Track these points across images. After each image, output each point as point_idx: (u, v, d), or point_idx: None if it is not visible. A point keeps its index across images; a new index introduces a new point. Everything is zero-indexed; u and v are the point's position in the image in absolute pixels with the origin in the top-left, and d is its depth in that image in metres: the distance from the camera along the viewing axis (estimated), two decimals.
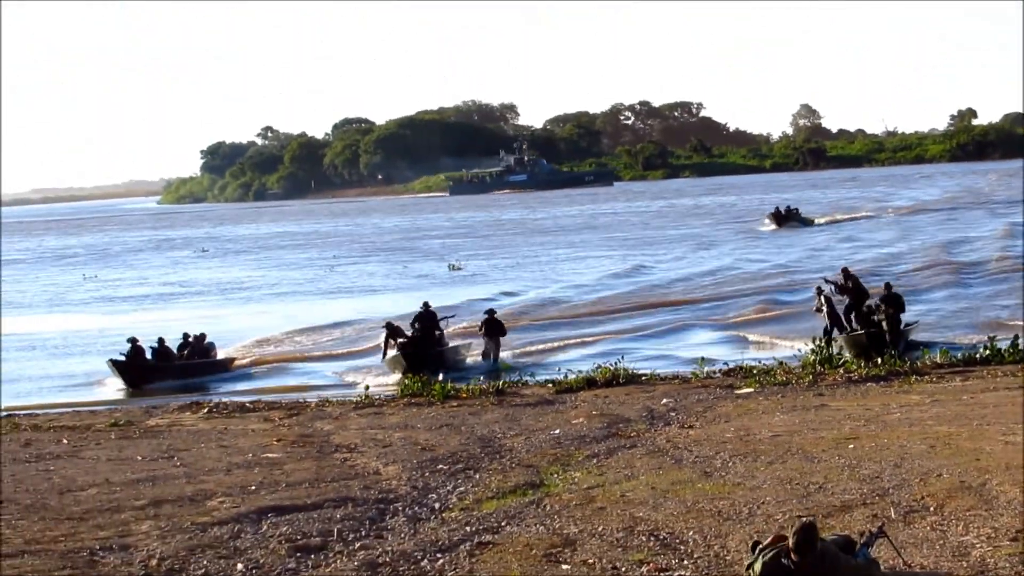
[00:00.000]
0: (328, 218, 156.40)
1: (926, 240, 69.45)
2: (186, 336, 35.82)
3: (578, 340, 38.50)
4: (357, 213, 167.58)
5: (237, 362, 37.29)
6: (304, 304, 55.33)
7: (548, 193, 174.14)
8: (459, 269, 65.73)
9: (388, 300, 52.94)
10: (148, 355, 34.30)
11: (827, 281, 34.62)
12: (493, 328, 33.89)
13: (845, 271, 34.72)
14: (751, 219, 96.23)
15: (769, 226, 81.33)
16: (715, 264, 62.61)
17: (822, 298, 33.18)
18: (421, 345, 32.62)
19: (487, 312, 34.66)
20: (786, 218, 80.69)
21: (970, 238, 68.74)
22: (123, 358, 34.06)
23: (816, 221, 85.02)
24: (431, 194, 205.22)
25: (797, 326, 37.13)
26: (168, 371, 34.44)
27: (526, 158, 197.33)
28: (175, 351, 35.16)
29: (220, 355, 36.64)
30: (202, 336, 35.88)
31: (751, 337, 37.48)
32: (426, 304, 34.31)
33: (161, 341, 34.89)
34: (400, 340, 33.06)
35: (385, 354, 33.60)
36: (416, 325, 33.45)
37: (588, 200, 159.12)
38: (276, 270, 77.23)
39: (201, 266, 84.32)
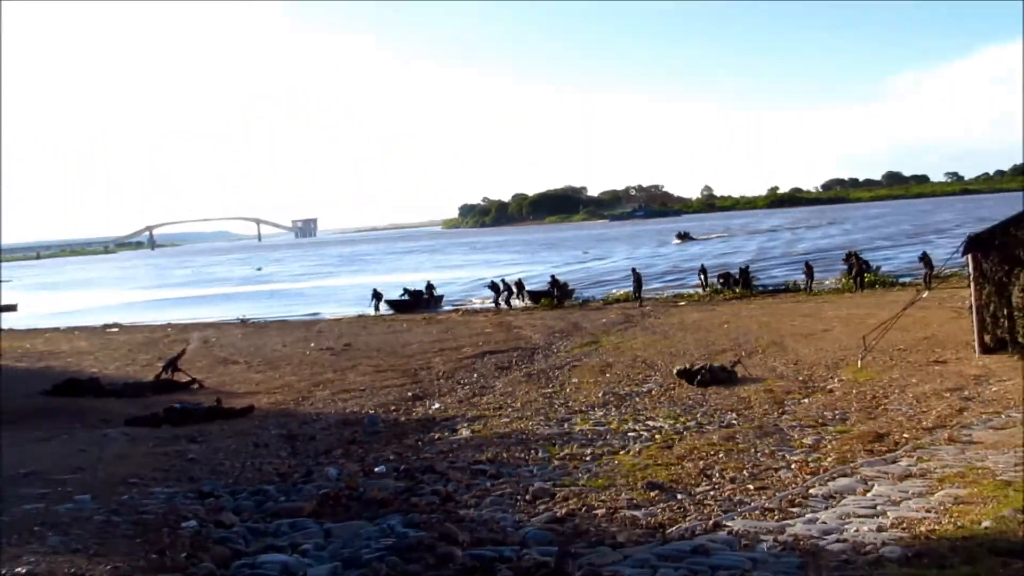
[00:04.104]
0: (526, 234, 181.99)
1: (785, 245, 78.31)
2: (429, 285, 41.38)
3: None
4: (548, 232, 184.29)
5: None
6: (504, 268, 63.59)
7: (652, 220, 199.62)
8: (587, 254, 76.76)
9: (544, 268, 62.62)
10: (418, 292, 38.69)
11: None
12: (561, 288, 36.22)
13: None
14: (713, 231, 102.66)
15: (677, 241, 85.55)
16: (684, 255, 66.99)
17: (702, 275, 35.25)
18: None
19: (552, 276, 37.83)
20: (686, 236, 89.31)
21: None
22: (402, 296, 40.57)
23: (703, 237, 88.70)
24: (599, 221, 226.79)
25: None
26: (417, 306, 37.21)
27: (640, 205, 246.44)
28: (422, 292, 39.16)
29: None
30: (430, 286, 40.64)
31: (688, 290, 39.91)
32: (553, 276, 39.04)
33: (430, 284, 42.95)
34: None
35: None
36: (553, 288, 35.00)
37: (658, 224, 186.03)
38: (502, 255, 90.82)
39: (475, 253, 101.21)
